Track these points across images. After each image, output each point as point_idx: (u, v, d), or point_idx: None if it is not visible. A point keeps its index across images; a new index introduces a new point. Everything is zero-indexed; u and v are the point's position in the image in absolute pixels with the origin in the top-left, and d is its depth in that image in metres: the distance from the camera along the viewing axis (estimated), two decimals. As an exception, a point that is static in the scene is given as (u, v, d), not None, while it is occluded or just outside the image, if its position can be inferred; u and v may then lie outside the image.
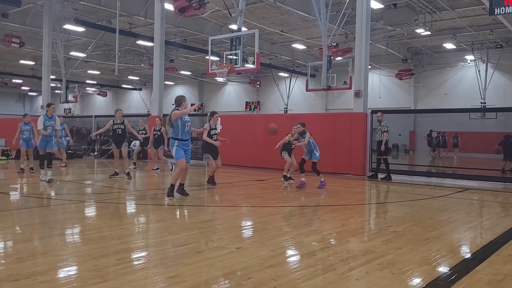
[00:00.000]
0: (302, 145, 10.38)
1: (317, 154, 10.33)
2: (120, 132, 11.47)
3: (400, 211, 7.83)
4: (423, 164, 20.95)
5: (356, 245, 5.19)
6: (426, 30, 21.54)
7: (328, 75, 17.63)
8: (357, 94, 13.82)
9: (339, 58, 22.64)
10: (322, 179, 10.30)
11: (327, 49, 17.93)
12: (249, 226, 6.35)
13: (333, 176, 13.08)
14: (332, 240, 5.42)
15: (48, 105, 10.88)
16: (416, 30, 22.15)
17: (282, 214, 7.35)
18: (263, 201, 8.96)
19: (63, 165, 14.72)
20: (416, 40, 27.39)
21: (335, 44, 20.92)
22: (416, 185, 11.66)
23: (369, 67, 14.67)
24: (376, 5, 18.89)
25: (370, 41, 15.24)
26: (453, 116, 23.00)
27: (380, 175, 12.59)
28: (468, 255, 4.96)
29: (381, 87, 32.88)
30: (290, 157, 11.10)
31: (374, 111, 13.86)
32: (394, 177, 12.66)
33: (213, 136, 9.96)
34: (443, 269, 4.34)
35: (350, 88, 17.89)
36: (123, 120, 11.52)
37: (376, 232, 6.00)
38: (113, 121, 11.48)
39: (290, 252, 4.96)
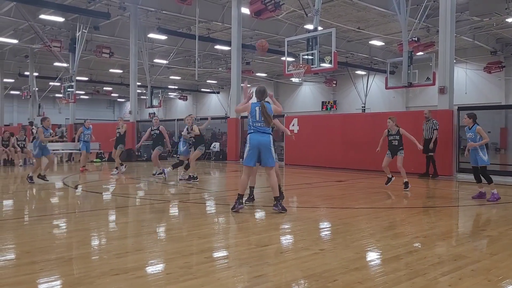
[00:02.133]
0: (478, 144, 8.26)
1: (485, 158, 8.33)
2: (155, 137, 12.51)
3: (493, 214, 7.32)
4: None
5: (446, 250, 4.94)
6: (518, 19, 19.95)
7: (409, 71, 16.90)
8: (442, 91, 13.12)
9: (421, 53, 21.67)
10: (495, 191, 8.36)
11: (408, 44, 17.22)
12: (331, 228, 6.28)
13: (417, 177, 12.54)
14: (419, 243, 5.20)
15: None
16: (506, 20, 20.59)
17: (364, 216, 7.19)
18: (343, 202, 8.82)
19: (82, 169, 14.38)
20: (507, 30, 25.39)
21: (416, 38, 20.03)
22: (510, 186, 10.83)
23: (454, 61, 13.85)
24: (461, -5, 17.84)
25: (455, 34, 14.41)
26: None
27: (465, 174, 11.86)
28: None
29: (467, 82, 30.93)
30: (392, 157, 9.95)
31: (460, 108, 13.10)
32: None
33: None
34: (547, 278, 4.00)
35: (433, 84, 17.05)
36: (159, 126, 12.48)
37: (467, 236, 5.66)
38: (151, 128, 12.62)
39: (375, 255, 4.84)
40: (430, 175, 12.51)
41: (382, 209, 7.72)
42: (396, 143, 9.88)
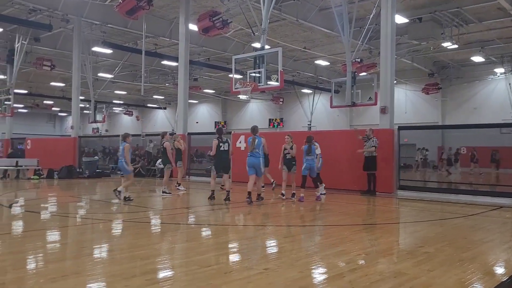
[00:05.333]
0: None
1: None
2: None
3: (431, 230, 7.63)
4: (453, 181, 20.44)
5: (386, 267, 5.08)
6: (453, 44, 21.25)
7: (352, 91, 17.51)
8: (383, 110, 13.66)
9: (364, 73, 22.54)
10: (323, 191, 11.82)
11: (351, 65, 17.87)
12: (276, 246, 6.29)
13: (359, 194, 12.89)
14: (361, 261, 5.32)
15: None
16: (442, 44, 21.87)
17: (308, 234, 7.27)
18: (288, 220, 8.90)
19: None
20: (443, 53, 27.03)
21: (359, 59, 20.83)
22: (446, 203, 11.37)
23: (395, 82, 14.50)
24: (400, 20, 18.78)
25: (395, 56, 15.13)
26: (484, 131, 22.45)
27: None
28: (505, 277, 4.77)
29: (407, 102, 32.46)
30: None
31: (401, 127, 13.68)
32: (423, 194, 12.44)
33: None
34: (479, 292, 4.19)
35: (375, 104, 17.74)
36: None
37: (407, 253, 5.85)
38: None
39: (319, 273, 4.88)
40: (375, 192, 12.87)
41: (326, 226, 7.85)
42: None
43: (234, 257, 5.67)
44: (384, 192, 13.02)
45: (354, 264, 5.14)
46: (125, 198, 10.36)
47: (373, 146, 12.63)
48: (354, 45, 18.16)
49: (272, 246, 6.39)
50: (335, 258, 5.39)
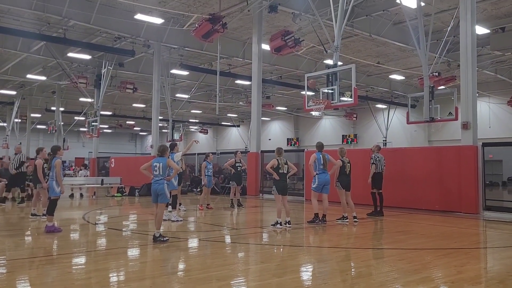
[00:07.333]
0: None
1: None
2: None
3: (524, 257, 7.01)
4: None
5: (475, 297, 4.72)
6: (541, 53, 19.77)
7: (430, 106, 16.76)
8: (465, 126, 12.90)
9: (442, 87, 21.54)
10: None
11: (428, 79, 17.15)
12: (354, 270, 6.09)
13: (442, 215, 12.21)
14: (446, 290, 4.99)
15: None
16: (529, 53, 20.42)
17: (388, 258, 6.97)
18: (365, 242, 8.62)
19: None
20: (530, 63, 25.17)
21: (436, 73, 19.95)
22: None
23: (477, 95, 13.66)
24: (481, 31, 17.83)
25: (477, 68, 14.30)
26: None
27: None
28: None
29: (490, 116, 30.48)
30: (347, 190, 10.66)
31: (485, 144, 12.84)
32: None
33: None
34: None
35: (456, 119, 16.88)
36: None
37: (497, 282, 5.40)
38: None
39: (400, 302, 4.65)
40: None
41: (407, 250, 7.48)
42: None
43: (310, 281, 5.58)
44: (468, 212, 12.23)
45: (438, 293, 4.84)
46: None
47: (372, 164, 11.74)
48: (431, 58, 17.47)
49: (350, 270, 6.20)
50: (418, 286, 5.11)
